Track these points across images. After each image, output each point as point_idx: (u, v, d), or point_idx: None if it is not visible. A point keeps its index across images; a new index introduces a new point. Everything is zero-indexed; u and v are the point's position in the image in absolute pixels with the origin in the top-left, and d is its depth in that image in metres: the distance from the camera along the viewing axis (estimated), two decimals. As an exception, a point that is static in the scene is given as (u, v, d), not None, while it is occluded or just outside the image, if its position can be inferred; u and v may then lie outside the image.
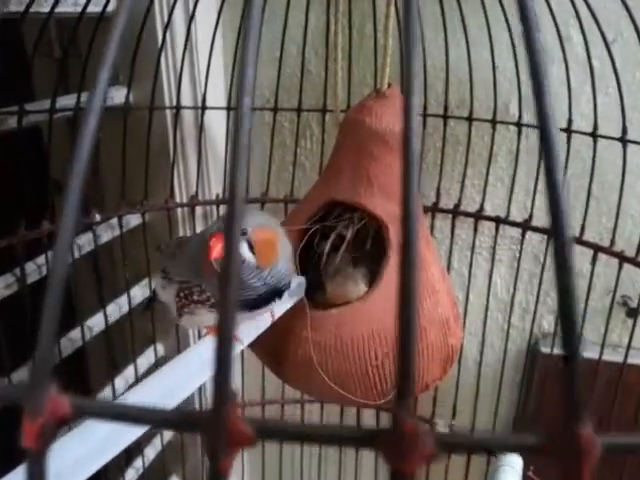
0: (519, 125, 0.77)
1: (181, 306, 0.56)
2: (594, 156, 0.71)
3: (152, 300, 0.70)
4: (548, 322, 0.90)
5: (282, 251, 0.55)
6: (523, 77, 0.76)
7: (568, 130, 0.73)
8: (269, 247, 0.53)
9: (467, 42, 0.76)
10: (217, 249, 0.49)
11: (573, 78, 0.74)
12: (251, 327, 0.56)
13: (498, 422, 0.90)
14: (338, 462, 1.03)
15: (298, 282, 0.61)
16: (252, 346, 0.60)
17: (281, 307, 0.58)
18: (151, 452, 0.95)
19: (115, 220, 0.79)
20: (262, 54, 0.83)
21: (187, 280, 0.55)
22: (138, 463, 0.91)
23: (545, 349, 0.87)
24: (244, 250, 0.52)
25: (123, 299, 0.85)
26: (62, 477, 0.36)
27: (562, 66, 0.78)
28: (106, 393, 0.85)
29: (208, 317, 0.55)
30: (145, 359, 0.92)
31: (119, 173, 0.77)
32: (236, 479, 1.08)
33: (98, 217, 0.75)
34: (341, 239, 0.64)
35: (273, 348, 0.62)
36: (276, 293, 0.54)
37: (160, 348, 0.96)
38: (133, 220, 0.84)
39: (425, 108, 0.80)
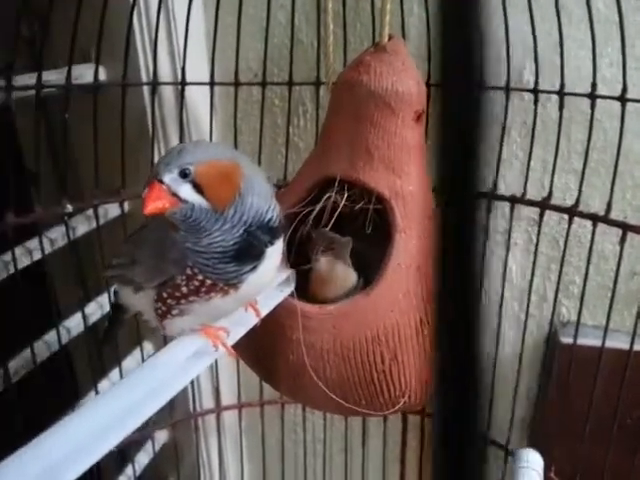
0: (535, 92, 0.69)
1: (166, 311, 0.47)
2: (622, 123, 0.63)
3: (111, 325, 0.61)
4: (568, 310, 0.83)
5: (246, 184, 0.46)
6: (539, 38, 0.68)
7: (592, 95, 0.65)
8: (221, 182, 0.44)
9: None
10: (150, 200, 0.41)
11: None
12: (234, 325, 0.48)
13: (515, 419, 0.83)
14: (344, 465, 0.97)
15: (287, 275, 0.53)
16: (237, 350, 0.52)
17: (268, 303, 0.51)
18: (145, 455, 0.89)
19: (91, 211, 0.72)
20: (247, 23, 0.75)
21: (165, 280, 0.47)
22: (132, 468, 0.85)
23: (565, 339, 0.80)
24: (189, 194, 0.43)
25: (104, 297, 0.78)
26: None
27: (581, 26, 0.70)
28: (91, 395, 0.79)
29: (202, 312, 0.47)
30: (133, 359, 0.86)
31: (93, 158, 0.69)
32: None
33: (69, 207, 0.68)
34: (338, 223, 0.56)
35: (261, 354, 0.54)
36: (265, 230, 0.45)
37: (148, 347, 0.90)
38: (112, 210, 0.77)
39: (429, 77, 0.72)
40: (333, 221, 0.55)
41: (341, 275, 0.54)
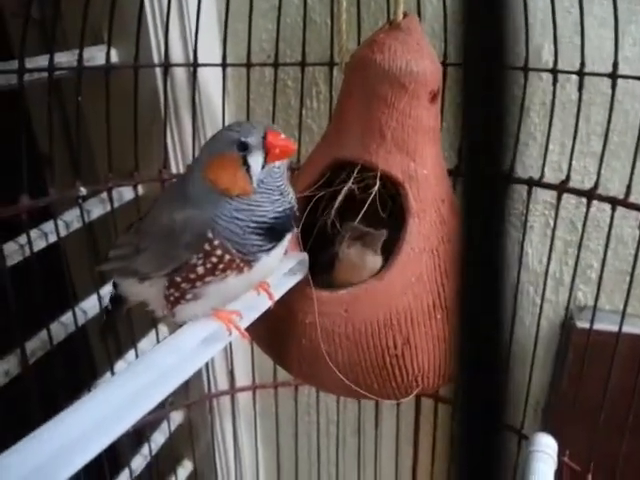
0: (554, 72, 0.67)
1: (179, 297, 0.47)
2: (644, 104, 0.62)
3: (110, 317, 0.61)
4: (585, 294, 0.82)
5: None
6: (558, 16, 0.66)
7: (613, 75, 0.63)
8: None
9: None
10: (286, 144, 0.46)
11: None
12: (246, 308, 0.48)
13: (529, 405, 0.82)
14: (357, 447, 0.98)
15: (300, 259, 0.53)
16: (250, 333, 0.52)
17: (280, 286, 0.50)
18: (160, 435, 0.91)
19: (105, 194, 0.72)
20: (258, 3, 0.74)
21: (177, 267, 0.46)
22: (147, 448, 0.87)
23: (581, 324, 0.79)
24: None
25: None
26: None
27: (603, 4, 0.68)
28: (107, 377, 0.80)
29: (215, 294, 0.46)
30: (149, 340, 0.87)
31: (106, 141, 0.69)
32: (251, 470, 1.03)
33: (83, 190, 0.68)
34: (351, 206, 0.55)
35: (274, 338, 0.54)
36: (293, 215, 0.49)
37: (164, 328, 0.90)
38: (126, 193, 0.77)
39: (445, 57, 0.71)
40: (349, 204, 0.54)
41: (370, 264, 0.53)
